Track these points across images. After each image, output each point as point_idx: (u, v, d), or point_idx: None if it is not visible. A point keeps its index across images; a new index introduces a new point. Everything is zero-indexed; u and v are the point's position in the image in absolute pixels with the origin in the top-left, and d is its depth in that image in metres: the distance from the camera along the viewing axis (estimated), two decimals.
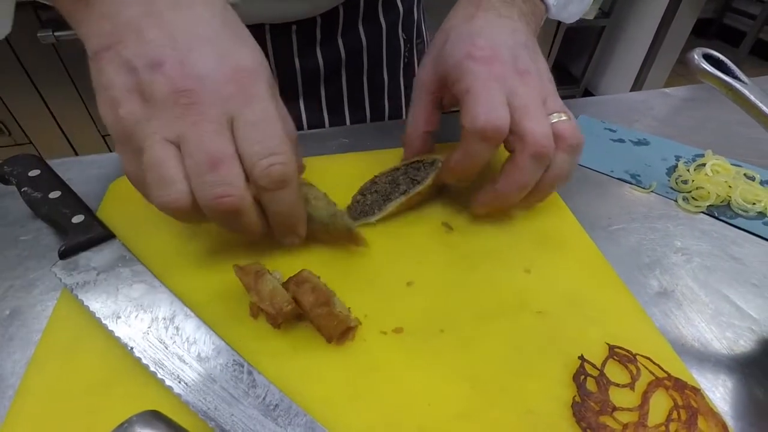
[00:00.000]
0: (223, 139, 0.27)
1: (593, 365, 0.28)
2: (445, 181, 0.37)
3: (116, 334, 0.28)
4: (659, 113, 0.56)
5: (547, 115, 0.33)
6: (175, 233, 0.36)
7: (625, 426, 0.25)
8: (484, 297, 0.32)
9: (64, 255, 0.32)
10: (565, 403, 0.26)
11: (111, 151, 0.45)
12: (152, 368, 0.26)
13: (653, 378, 0.27)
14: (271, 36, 0.50)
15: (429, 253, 0.35)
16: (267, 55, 0.44)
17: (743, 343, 0.31)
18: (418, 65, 0.58)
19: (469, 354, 0.29)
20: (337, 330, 0.28)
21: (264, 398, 0.25)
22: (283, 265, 0.33)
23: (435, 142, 0.40)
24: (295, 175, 0.29)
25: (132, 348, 0.27)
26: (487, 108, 0.31)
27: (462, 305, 0.32)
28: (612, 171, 0.46)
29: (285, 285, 0.29)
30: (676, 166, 0.46)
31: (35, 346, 0.28)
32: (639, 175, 0.46)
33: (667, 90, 0.61)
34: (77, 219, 0.34)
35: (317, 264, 0.33)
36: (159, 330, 0.28)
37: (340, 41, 0.54)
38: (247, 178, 0.28)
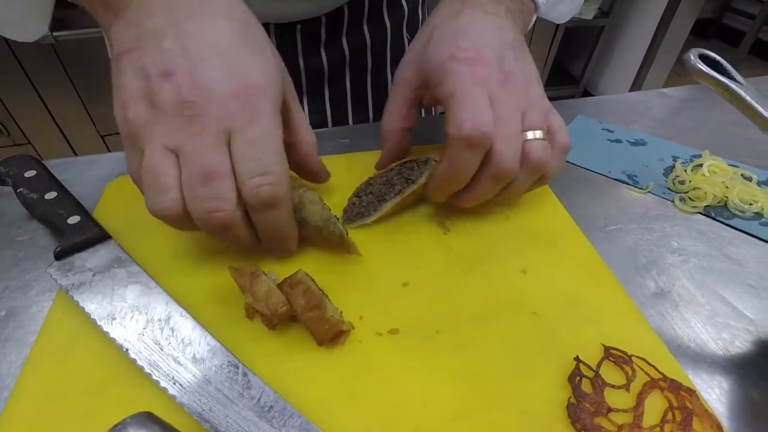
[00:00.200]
0: (220, 153, 0.27)
1: (589, 366, 0.28)
2: (434, 200, 0.37)
3: (111, 336, 0.28)
4: (658, 113, 0.56)
5: (521, 131, 0.32)
6: (171, 234, 0.35)
7: (620, 427, 0.25)
8: (480, 298, 0.32)
9: (59, 256, 0.32)
10: (561, 405, 0.26)
11: (109, 152, 0.45)
12: (147, 369, 0.26)
13: (648, 379, 0.27)
14: (275, 35, 0.50)
15: (425, 254, 0.35)
16: None
17: (739, 344, 0.31)
18: None
19: (465, 355, 0.29)
20: (328, 334, 0.28)
21: (259, 399, 0.25)
22: (279, 266, 0.33)
23: (411, 139, 0.40)
24: (287, 195, 0.29)
25: (127, 349, 0.27)
26: (472, 113, 0.30)
27: (458, 306, 0.32)
28: (609, 171, 0.46)
29: (280, 286, 0.29)
30: (673, 167, 0.46)
31: (30, 347, 0.28)
32: (636, 176, 0.46)
33: (665, 90, 0.61)
34: (73, 220, 0.34)
35: (313, 265, 0.33)
36: (154, 331, 0.28)
37: (344, 41, 0.54)
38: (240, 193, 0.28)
